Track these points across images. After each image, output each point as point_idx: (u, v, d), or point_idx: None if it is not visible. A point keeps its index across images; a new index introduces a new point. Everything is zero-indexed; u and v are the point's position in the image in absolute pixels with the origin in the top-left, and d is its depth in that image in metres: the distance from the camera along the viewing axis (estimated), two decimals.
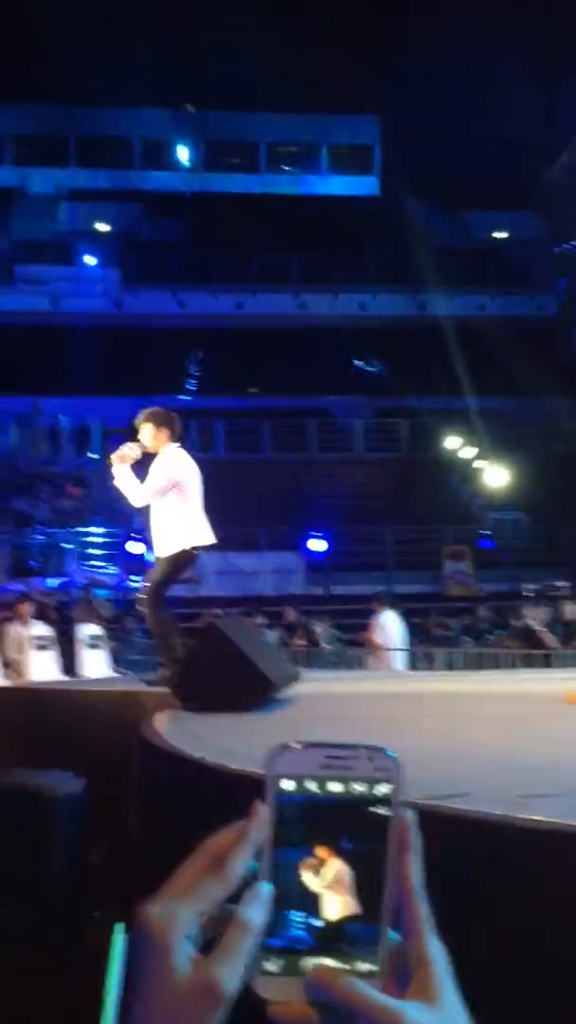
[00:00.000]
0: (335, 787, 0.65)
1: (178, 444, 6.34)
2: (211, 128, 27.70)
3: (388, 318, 25.70)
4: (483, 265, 26.85)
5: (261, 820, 0.64)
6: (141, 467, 6.23)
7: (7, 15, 22.14)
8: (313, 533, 19.20)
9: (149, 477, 6.16)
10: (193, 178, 27.96)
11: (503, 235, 29.06)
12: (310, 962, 0.62)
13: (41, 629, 9.74)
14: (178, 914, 0.60)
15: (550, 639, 13.07)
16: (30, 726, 6.48)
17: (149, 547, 18.90)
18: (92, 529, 19.45)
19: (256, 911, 0.61)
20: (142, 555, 18.55)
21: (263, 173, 28.38)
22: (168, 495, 6.14)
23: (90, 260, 26.09)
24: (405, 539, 19.69)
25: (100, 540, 19.54)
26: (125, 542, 18.35)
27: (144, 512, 6.39)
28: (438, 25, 22.83)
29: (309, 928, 0.63)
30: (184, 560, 6.21)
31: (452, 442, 24.49)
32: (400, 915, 0.62)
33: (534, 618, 14.15)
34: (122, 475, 6.14)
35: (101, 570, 18.28)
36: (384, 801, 0.64)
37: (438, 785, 2.98)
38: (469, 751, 3.81)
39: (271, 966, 0.62)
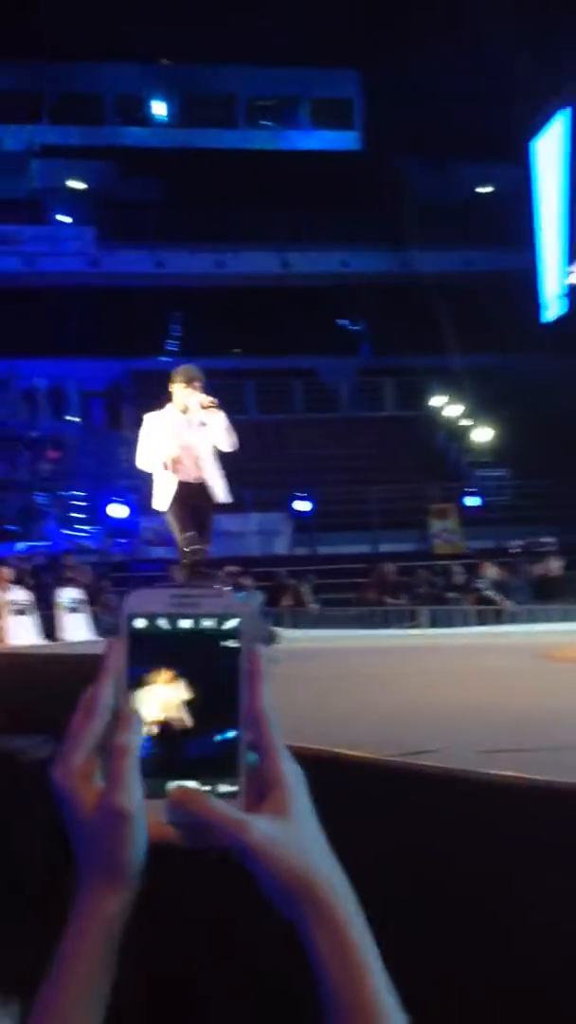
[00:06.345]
0: (185, 623, 0.67)
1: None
2: (187, 82, 27.04)
3: (371, 275, 25.36)
4: (468, 220, 26.40)
5: (116, 655, 0.67)
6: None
7: None
8: (299, 494, 19.05)
9: (223, 429, 6.41)
10: (169, 134, 27.34)
11: (488, 189, 28.57)
12: (172, 785, 0.66)
13: (19, 594, 9.62)
14: (72, 762, 0.66)
15: (497, 599, 13.39)
16: (7, 691, 6.37)
17: (134, 510, 18.70)
18: (72, 492, 19.24)
19: (127, 735, 0.65)
20: (123, 518, 18.42)
21: (242, 128, 27.80)
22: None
23: (64, 219, 25.56)
24: (391, 498, 19.57)
25: (80, 504, 19.35)
26: (105, 505, 18.14)
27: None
28: None
29: (151, 742, 0.66)
30: None
31: (437, 400, 24.31)
32: (256, 738, 0.66)
33: (484, 576, 14.38)
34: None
35: (81, 534, 18.12)
36: (233, 635, 0.67)
37: (411, 741, 2.88)
38: (446, 707, 3.72)
39: None
